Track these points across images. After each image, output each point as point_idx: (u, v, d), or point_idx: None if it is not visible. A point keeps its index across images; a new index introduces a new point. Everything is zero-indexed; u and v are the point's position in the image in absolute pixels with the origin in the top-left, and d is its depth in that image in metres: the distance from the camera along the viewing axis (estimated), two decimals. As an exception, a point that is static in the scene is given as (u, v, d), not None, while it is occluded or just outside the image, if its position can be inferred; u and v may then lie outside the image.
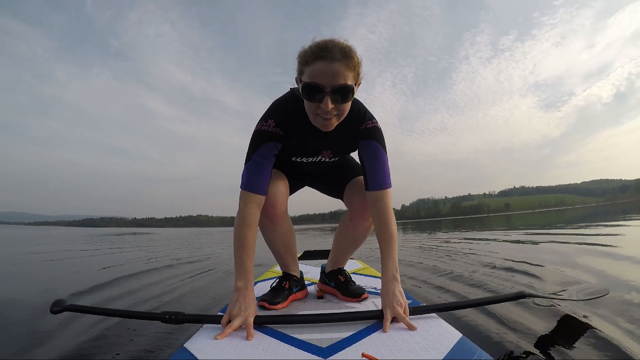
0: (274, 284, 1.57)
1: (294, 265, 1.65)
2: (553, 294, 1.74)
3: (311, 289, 1.84)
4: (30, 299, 2.45)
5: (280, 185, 1.46)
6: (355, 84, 1.20)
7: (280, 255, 1.61)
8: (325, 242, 9.97)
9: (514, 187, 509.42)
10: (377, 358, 0.85)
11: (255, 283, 2.00)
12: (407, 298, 1.30)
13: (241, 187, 1.33)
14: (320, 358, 0.90)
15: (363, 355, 0.87)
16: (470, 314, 1.79)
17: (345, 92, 1.16)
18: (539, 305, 1.87)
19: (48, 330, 1.69)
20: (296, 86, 1.29)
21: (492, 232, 10.61)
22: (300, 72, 1.20)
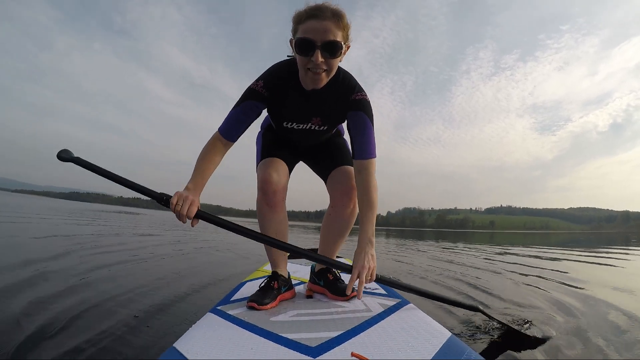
0: (263, 284, 1.56)
1: (283, 263, 1.66)
2: (501, 322, 1.67)
3: (300, 288, 1.83)
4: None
5: (282, 174, 1.55)
6: (344, 45, 1.29)
7: (271, 247, 1.62)
8: (308, 238, 9.96)
9: (501, 205, 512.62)
10: (367, 357, 0.85)
11: (244, 283, 1.99)
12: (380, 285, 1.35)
13: (218, 128, 1.45)
14: (309, 357, 0.89)
15: (352, 354, 0.87)
16: (458, 314, 1.81)
17: (334, 48, 1.25)
18: (489, 323, 1.78)
19: (35, 332, 1.65)
20: (292, 55, 1.38)
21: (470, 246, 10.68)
22: (294, 32, 1.30)
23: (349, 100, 1.44)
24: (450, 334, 1.03)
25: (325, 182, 1.70)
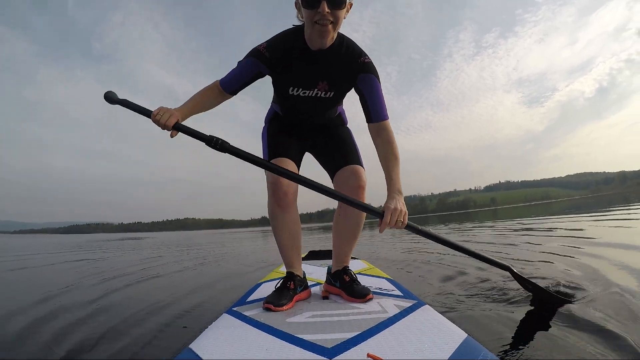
0: (279, 285, 1.57)
1: (298, 263, 1.67)
2: (534, 284, 1.78)
3: (316, 289, 1.84)
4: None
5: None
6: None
7: (286, 248, 1.64)
8: (312, 239, 9.93)
9: (499, 182, 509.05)
10: (383, 358, 0.85)
11: (260, 284, 2.01)
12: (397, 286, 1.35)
13: (219, 80, 1.54)
14: (325, 358, 0.90)
15: (368, 355, 0.87)
16: (474, 315, 1.78)
17: None
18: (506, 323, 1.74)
19: (49, 330, 1.71)
20: (298, 23, 1.48)
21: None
22: None
23: (357, 63, 1.49)
24: (466, 335, 1.02)
25: (332, 179, 1.70)
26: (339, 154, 1.72)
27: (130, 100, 1.48)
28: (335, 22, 1.36)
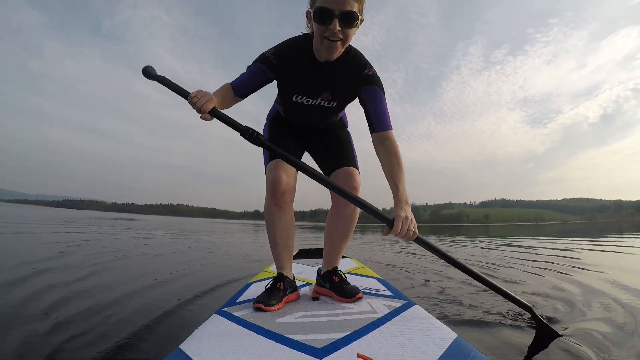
0: (269, 285, 1.57)
1: (289, 265, 1.67)
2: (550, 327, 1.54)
3: (306, 289, 1.83)
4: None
5: (291, 175, 1.57)
6: (360, 16, 1.34)
7: (278, 248, 1.63)
8: (304, 237, 9.94)
9: (495, 199, 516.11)
10: (373, 358, 0.85)
11: (250, 284, 2.00)
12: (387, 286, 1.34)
13: (230, 82, 1.53)
14: (315, 358, 0.90)
15: (358, 355, 0.87)
16: (464, 315, 1.80)
17: (351, 18, 1.31)
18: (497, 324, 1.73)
19: (42, 332, 1.67)
20: (307, 31, 1.48)
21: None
22: (312, 3, 1.35)
23: (362, 76, 1.50)
24: (456, 335, 1.03)
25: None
26: (335, 155, 1.73)
27: (167, 77, 1.47)
28: (344, 39, 1.36)
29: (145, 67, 1.52)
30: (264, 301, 1.42)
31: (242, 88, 1.52)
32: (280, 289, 1.54)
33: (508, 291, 1.46)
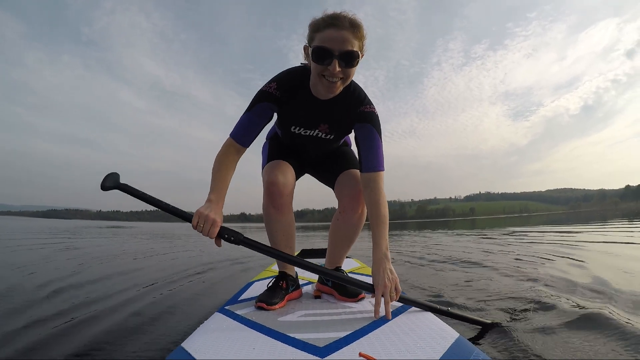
0: (271, 284, 1.57)
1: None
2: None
3: (308, 288, 1.84)
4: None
5: (289, 176, 1.53)
6: (360, 53, 1.29)
7: (280, 248, 1.58)
8: (298, 236, 9.94)
9: (480, 192, 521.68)
10: (374, 357, 0.85)
11: (252, 282, 2.00)
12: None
13: (230, 134, 1.45)
14: (317, 357, 0.90)
15: (360, 354, 0.87)
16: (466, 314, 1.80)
17: (351, 57, 1.26)
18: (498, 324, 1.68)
19: (45, 332, 1.68)
20: (305, 62, 1.41)
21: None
22: (310, 39, 1.30)
23: (357, 112, 1.45)
24: (458, 334, 1.03)
25: (333, 188, 1.68)
26: (336, 163, 1.70)
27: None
28: (345, 78, 1.31)
29: (107, 177, 1.35)
30: (266, 300, 1.42)
31: (246, 138, 1.44)
32: (283, 287, 1.54)
33: (480, 320, 1.56)
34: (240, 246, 1.31)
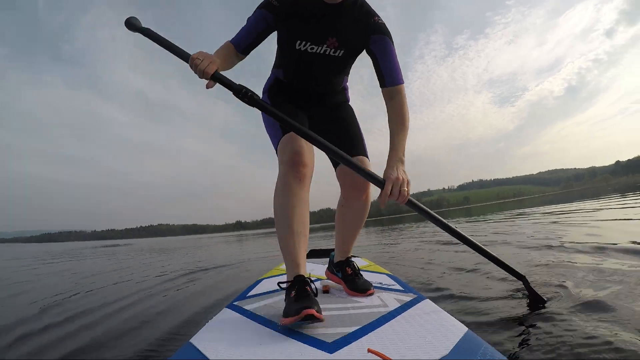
0: (295, 293, 1.19)
1: (304, 261, 1.33)
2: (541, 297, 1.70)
3: (316, 284, 1.84)
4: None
5: (311, 149, 1.43)
6: None
7: (294, 239, 1.31)
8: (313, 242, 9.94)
9: (472, 180, 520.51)
10: (383, 353, 0.85)
11: (261, 280, 2.01)
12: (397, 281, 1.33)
13: (230, 40, 1.46)
14: (326, 353, 0.90)
15: (369, 350, 0.87)
16: (475, 309, 1.79)
17: None
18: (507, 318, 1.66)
19: (52, 326, 1.71)
20: None
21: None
22: None
23: (370, 23, 1.43)
24: (467, 329, 1.02)
25: (335, 169, 1.62)
26: (344, 141, 1.56)
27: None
28: None
29: (128, 19, 1.46)
30: (311, 305, 1.08)
31: (243, 42, 1.44)
32: (310, 292, 1.20)
33: (503, 261, 1.53)
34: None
